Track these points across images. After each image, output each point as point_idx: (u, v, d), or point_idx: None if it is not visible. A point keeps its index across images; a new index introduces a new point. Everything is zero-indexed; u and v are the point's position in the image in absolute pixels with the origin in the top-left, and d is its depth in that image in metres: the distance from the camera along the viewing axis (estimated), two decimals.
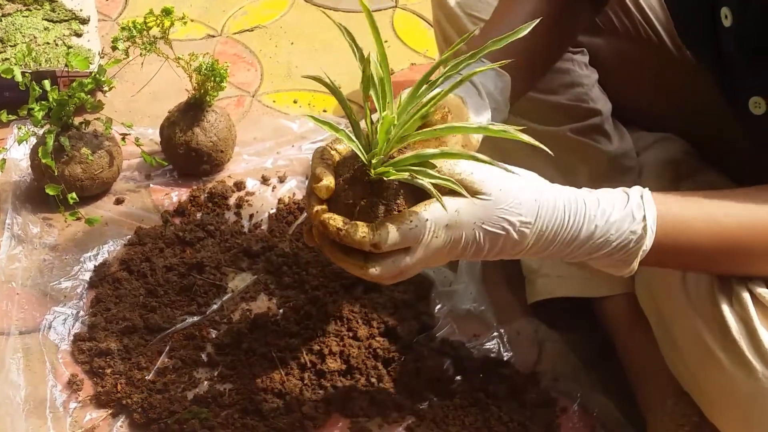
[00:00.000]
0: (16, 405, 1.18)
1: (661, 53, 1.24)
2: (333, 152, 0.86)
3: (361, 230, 0.80)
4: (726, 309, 0.95)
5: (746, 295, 0.94)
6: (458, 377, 1.22)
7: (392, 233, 0.80)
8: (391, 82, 0.82)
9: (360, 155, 0.81)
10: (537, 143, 0.79)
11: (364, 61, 0.80)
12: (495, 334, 1.28)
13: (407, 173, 0.79)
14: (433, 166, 0.81)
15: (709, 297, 0.97)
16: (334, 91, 0.82)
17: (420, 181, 0.79)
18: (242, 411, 1.17)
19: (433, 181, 0.79)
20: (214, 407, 1.18)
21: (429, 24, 1.82)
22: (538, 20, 0.85)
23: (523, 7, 1.08)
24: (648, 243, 0.88)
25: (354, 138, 0.81)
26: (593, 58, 1.29)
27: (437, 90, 0.82)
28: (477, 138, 0.95)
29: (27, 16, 1.68)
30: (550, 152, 0.79)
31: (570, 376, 1.23)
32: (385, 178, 0.81)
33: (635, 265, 0.89)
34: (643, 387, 1.17)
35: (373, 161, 0.81)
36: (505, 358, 1.25)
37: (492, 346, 1.27)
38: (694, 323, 0.99)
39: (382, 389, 1.19)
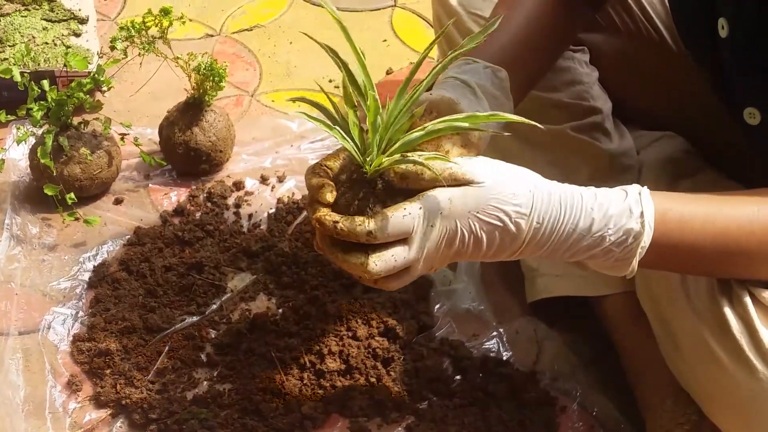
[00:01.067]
0: (15, 405, 1.18)
1: (662, 51, 1.24)
2: (325, 168, 0.88)
3: (357, 220, 0.82)
4: (726, 308, 0.95)
5: (746, 296, 0.94)
6: (457, 377, 1.22)
7: (386, 220, 0.82)
8: (373, 84, 0.84)
9: (354, 154, 0.83)
10: (528, 121, 0.82)
11: (343, 78, 0.83)
12: (494, 333, 1.28)
13: (398, 155, 0.82)
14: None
15: (710, 296, 0.97)
16: (323, 108, 0.86)
17: (411, 157, 0.81)
18: (242, 411, 1.17)
19: (423, 158, 0.81)
20: (213, 407, 1.17)
21: (428, 23, 1.81)
22: (501, 17, 0.89)
23: (522, 5, 1.07)
24: (646, 239, 0.87)
25: (346, 136, 0.84)
26: (594, 56, 1.29)
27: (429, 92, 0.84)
28: (478, 137, 0.94)
29: (26, 16, 1.68)
30: (539, 125, 0.82)
31: (569, 375, 1.23)
32: (379, 179, 0.83)
33: (635, 264, 0.88)
34: (642, 386, 1.17)
35: (367, 159, 0.83)
36: (504, 358, 1.25)
37: (491, 346, 1.27)
38: (694, 322, 0.99)
39: (381, 389, 1.19)
